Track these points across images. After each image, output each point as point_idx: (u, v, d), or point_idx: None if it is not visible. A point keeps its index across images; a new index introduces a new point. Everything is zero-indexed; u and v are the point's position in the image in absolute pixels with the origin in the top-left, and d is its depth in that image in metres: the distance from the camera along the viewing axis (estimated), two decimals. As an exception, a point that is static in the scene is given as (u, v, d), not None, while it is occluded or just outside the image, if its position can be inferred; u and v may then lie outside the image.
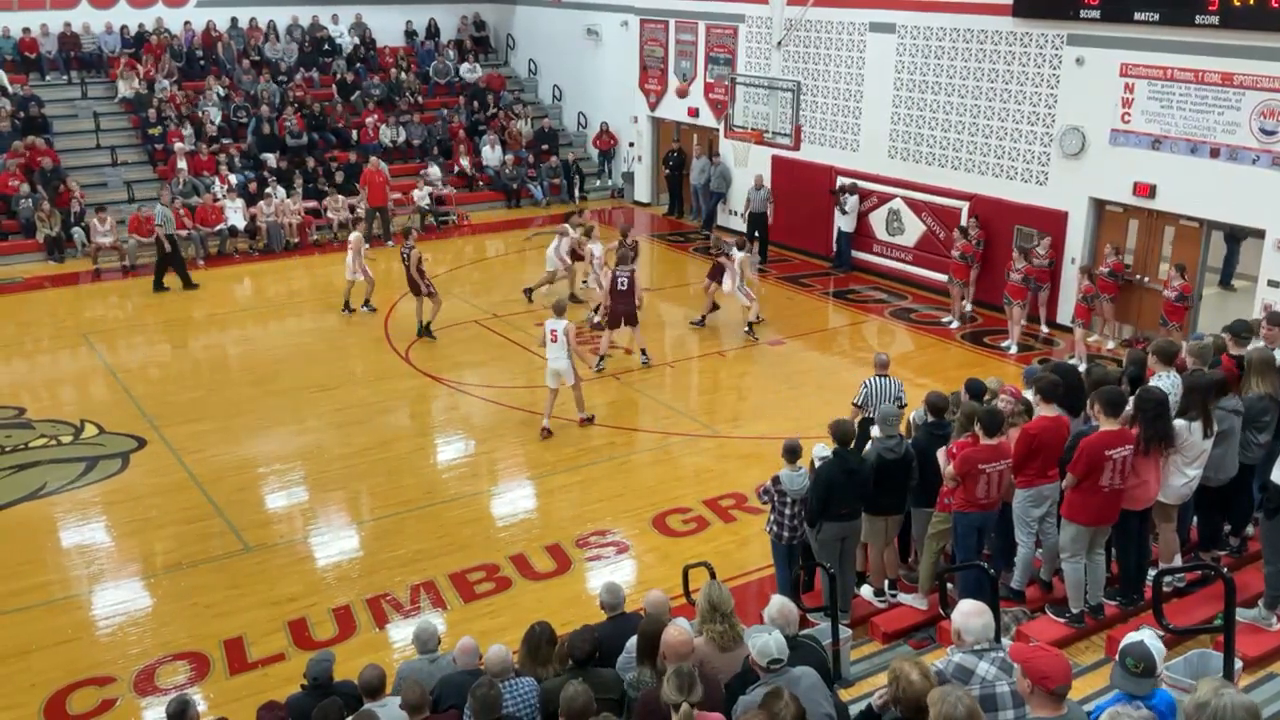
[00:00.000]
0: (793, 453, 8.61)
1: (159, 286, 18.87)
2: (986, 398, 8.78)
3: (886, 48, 18.81)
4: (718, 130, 22.69)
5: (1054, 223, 16.39)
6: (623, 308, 14.86)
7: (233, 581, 9.98)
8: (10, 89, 22.77)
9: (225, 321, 17.55)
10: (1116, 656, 4.88)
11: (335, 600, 9.65)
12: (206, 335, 16.95)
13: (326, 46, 26.80)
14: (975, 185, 17.58)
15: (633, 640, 6.16)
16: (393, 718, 5.92)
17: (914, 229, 18.86)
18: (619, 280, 14.87)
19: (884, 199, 19.30)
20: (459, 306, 17.70)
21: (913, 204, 18.77)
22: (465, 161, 24.94)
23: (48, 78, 23.93)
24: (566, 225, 17.68)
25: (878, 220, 19.50)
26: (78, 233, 20.44)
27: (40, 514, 11.30)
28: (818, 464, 8.64)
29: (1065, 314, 16.04)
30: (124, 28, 24.93)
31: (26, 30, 23.99)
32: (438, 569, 10.12)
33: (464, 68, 27.82)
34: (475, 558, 10.36)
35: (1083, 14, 15.51)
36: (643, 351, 15.30)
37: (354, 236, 17.67)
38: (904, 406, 10.03)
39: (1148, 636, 4.87)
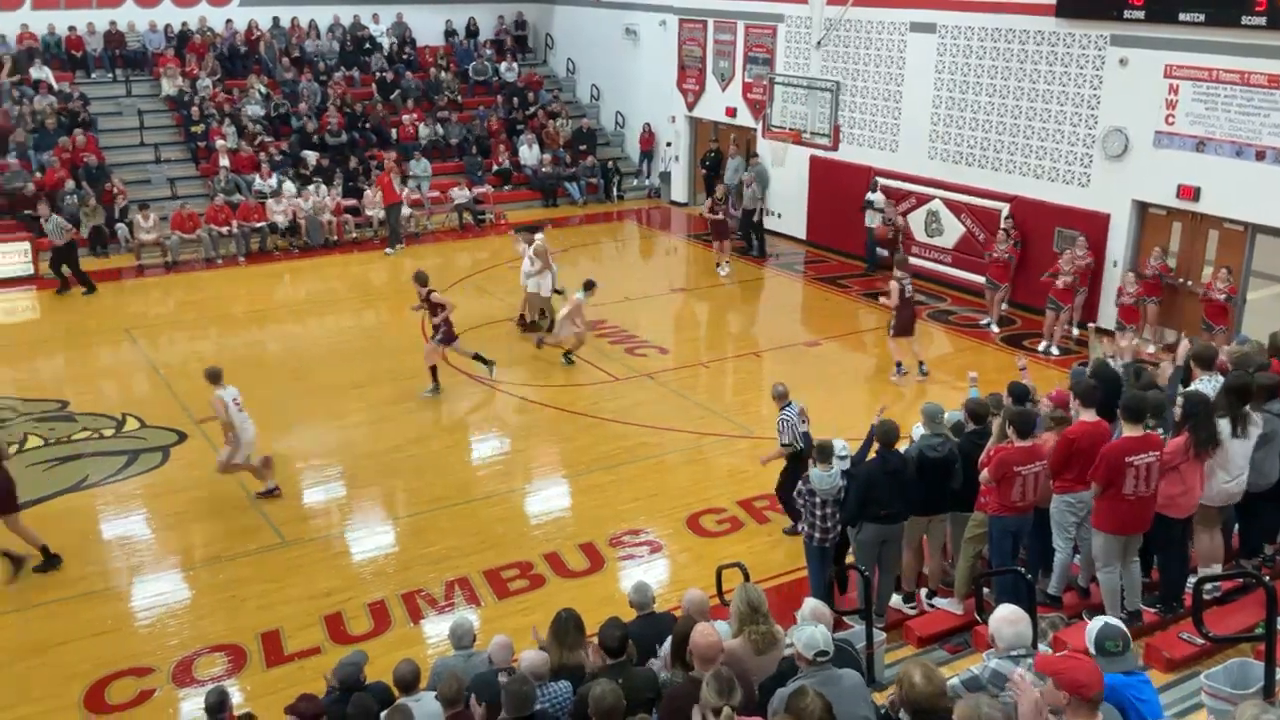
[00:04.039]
0: (823, 453, 8.56)
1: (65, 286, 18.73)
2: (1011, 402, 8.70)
3: (927, 47, 18.67)
4: (755, 130, 22.64)
5: (1096, 225, 16.21)
6: (909, 314, 14.30)
7: (270, 575, 10.08)
8: (57, 86, 23.12)
9: (264, 317, 17.70)
10: (1092, 649, 4.99)
11: (371, 595, 9.72)
12: (246, 331, 17.11)
13: (367, 45, 27.00)
14: (1016, 187, 17.42)
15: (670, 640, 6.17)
16: (426, 712, 5.95)
17: (953, 230, 18.71)
18: (905, 287, 14.18)
19: (923, 200, 19.17)
20: (493, 305, 17.77)
21: (952, 205, 18.62)
22: (504, 160, 25.04)
23: (93, 75, 24.29)
24: (537, 237, 16.37)
25: (916, 221, 19.37)
26: (121, 228, 20.71)
27: (82, 506, 11.46)
28: (835, 464, 8.55)
29: (1106, 317, 15.85)
30: (168, 26, 25.25)
31: (73, 29, 24.35)
32: (472, 566, 10.16)
33: (502, 67, 27.93)
34: (509, 555, 10.39)
35: (1127, 14, 15.32)
36: (920, 364, 14.65)
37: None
38: (807, 422, 10.35)
39: (1102, 617, 5.13)
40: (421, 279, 14.27)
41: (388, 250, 21.24)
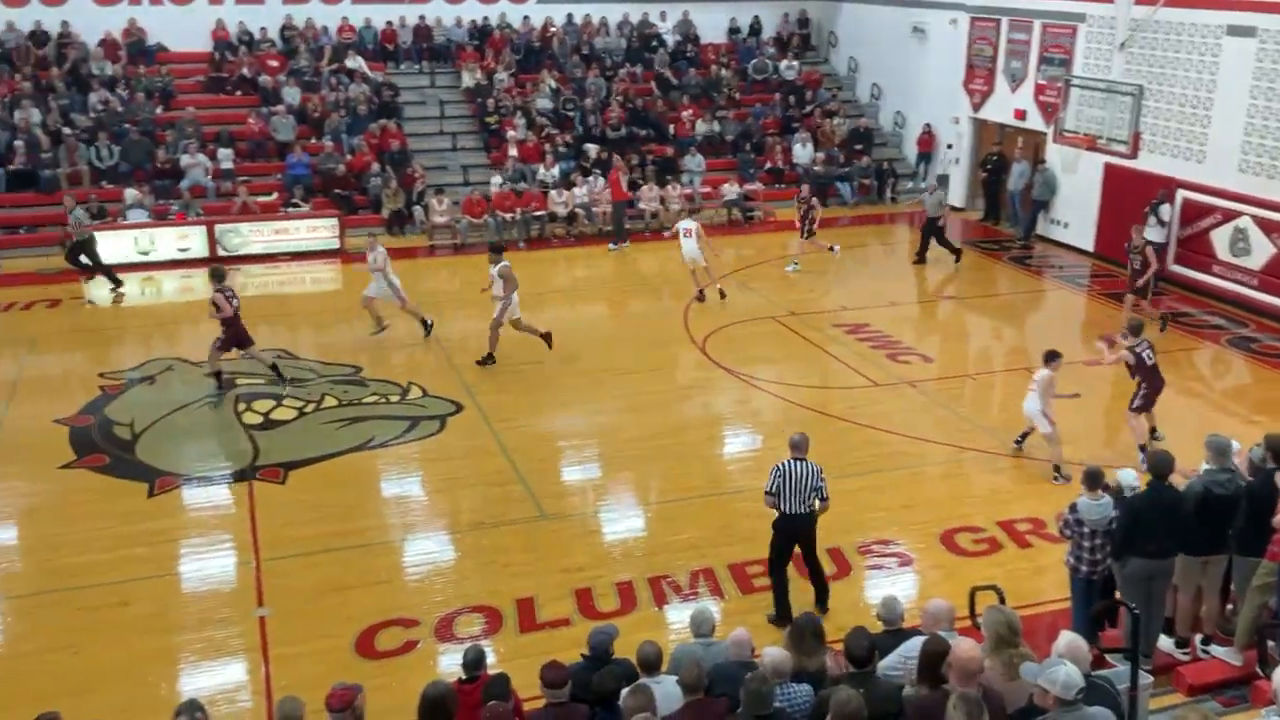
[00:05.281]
0: (1093, 479, 8.07)
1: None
2: None
3: (1245, 52, 17.17)
4: (1045, 134, 21.58)
5: None
6: (1159, 384, 12.10)
7: (529, 545, 10.56)
8: (371, 76, 25.08)
9: (540, 302, 18.41)
10: None
11: (619, 575, 9.99)
12: (523, 312, 17.94)
13: (654, 43, 27.69)
14: (1341, 206, 15.79)
15: (908, 645, 6.05)
16: (666, 694, 6.07)
17: (1262, 250, 17.14)
18: (1145, 354, 11.98)
19: (1229, 215, 17.66)
20: (756, 301, 17.84)
21: (1264, 223, 17.06)
22: (778, 159, 25.04)
23: (402, 66, 26.18)
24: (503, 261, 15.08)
25: (1221, 239, 17.86)
26: (418, 211, 22.23)
27: (367, 464, 12.40)
28: (1127, 494, 8.09)
29: None
30: (471, 22, 26.86)
31: (389, 23, 26.34)
32: (718, 558, 10.26)
33: (782, 65, 27.92)
34: (755, 551, 10.35)
35: None
36: (1152, 430, 12.51)
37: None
38: (825, 500, 9.15)
39: None
40: (217, 275, 14.08)
41: (610, 246, 21.56)
